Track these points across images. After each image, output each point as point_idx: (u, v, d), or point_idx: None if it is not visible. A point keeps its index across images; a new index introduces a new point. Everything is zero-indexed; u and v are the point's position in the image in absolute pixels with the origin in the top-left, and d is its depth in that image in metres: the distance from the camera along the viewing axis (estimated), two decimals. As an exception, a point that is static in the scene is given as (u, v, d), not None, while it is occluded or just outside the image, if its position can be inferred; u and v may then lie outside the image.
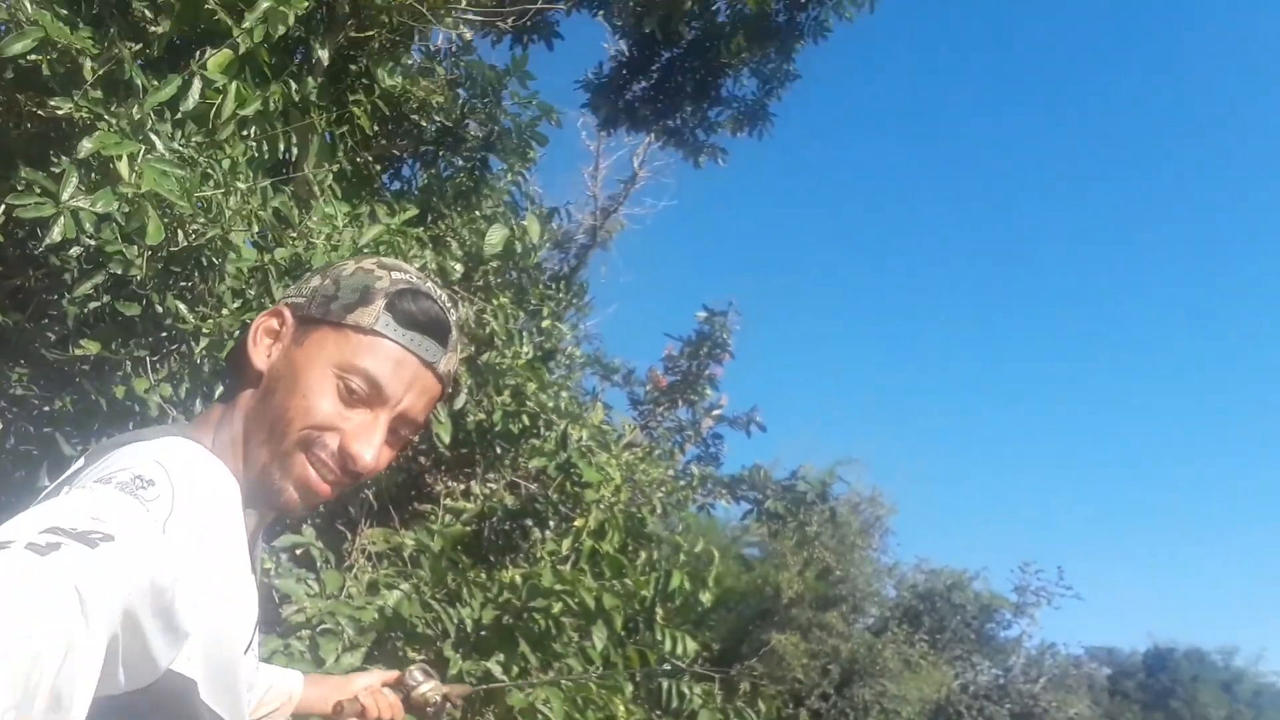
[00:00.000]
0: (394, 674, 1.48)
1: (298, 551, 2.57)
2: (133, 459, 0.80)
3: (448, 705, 1.48)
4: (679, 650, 3.99)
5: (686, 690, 4.12)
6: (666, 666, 3.96)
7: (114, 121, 2.18)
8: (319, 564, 2.57)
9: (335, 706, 1.39)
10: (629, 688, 3.89)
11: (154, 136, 2.25)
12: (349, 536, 2.92)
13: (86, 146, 2.07)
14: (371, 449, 0.93)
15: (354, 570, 2.74)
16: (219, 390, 2.43)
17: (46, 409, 2.12)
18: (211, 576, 0.80)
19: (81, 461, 0.89)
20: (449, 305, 1.02)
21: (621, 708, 3.59)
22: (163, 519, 0.73)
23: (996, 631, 14.56)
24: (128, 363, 2.10)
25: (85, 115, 2.20)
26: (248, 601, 0.91)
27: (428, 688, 1.44)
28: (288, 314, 0.98)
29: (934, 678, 12.78)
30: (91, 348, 2.01)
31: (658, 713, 4.09)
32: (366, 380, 0.93)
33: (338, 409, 0.93)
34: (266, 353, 0.97)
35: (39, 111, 2.32)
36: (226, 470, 0.89)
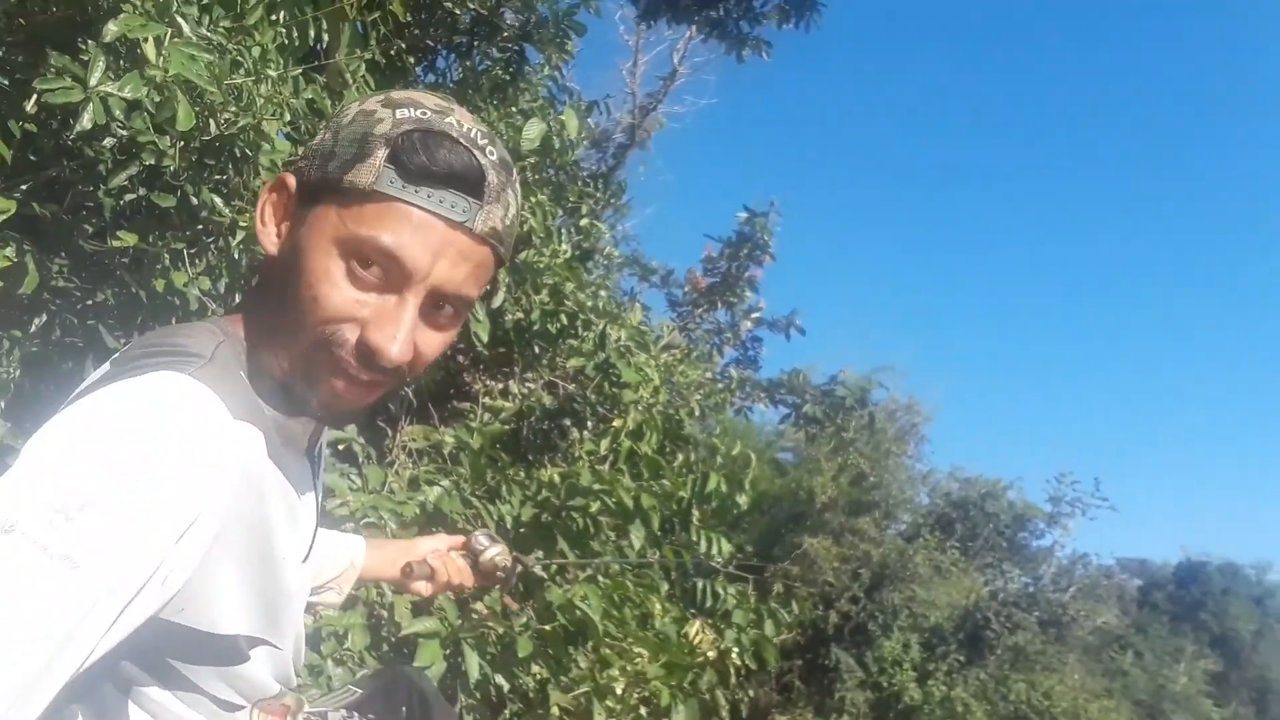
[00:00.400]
0: (459, 539, 1.42)
1: (340, 447, 2.61)
2: (77, 465, 0.65)
3: (518, 569, 1.43)
4: (714, 551, 4.05)
5: (721, 590, 4.20)
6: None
7: (139, 4, 2.10)
8: (361, 459, 2.61)
9: (404, 568, 1.33)
10: (665, 586, 3.98)
11: (180, 20, 2.17)
12: (390, 433, 2.95)
13: (112, 29, 2.00)
14: (396, 341, 0.76)
15: (395, 466, 2.78)
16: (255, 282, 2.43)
17: (89, 302, 2.13)
18: (224, 553, 0.74)
19: (107, 368, 0.80)
20: (482, 142, 0.79)
21: (658, 605, 3.68)
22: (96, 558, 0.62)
23: (1029, 541, 14.63)
24: (166, 255, 2.08)
25: (110, -3, 2.12)
26: (299, 521, 0.86)
27: (495, 552, 1.39)
28: (291, 182, 0.81)
29: (964, 584, 12.97)
30: (129, 239, 1.99)
31: (692, 611, 4.19)
32: (377, 254, 0.75)
33: (353, 295, 0.76)
34: (275, 234, 0.81)
35: (63, -7, 2.24)
36: (236, 430, 0.73)
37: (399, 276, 0.76)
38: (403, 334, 0.77)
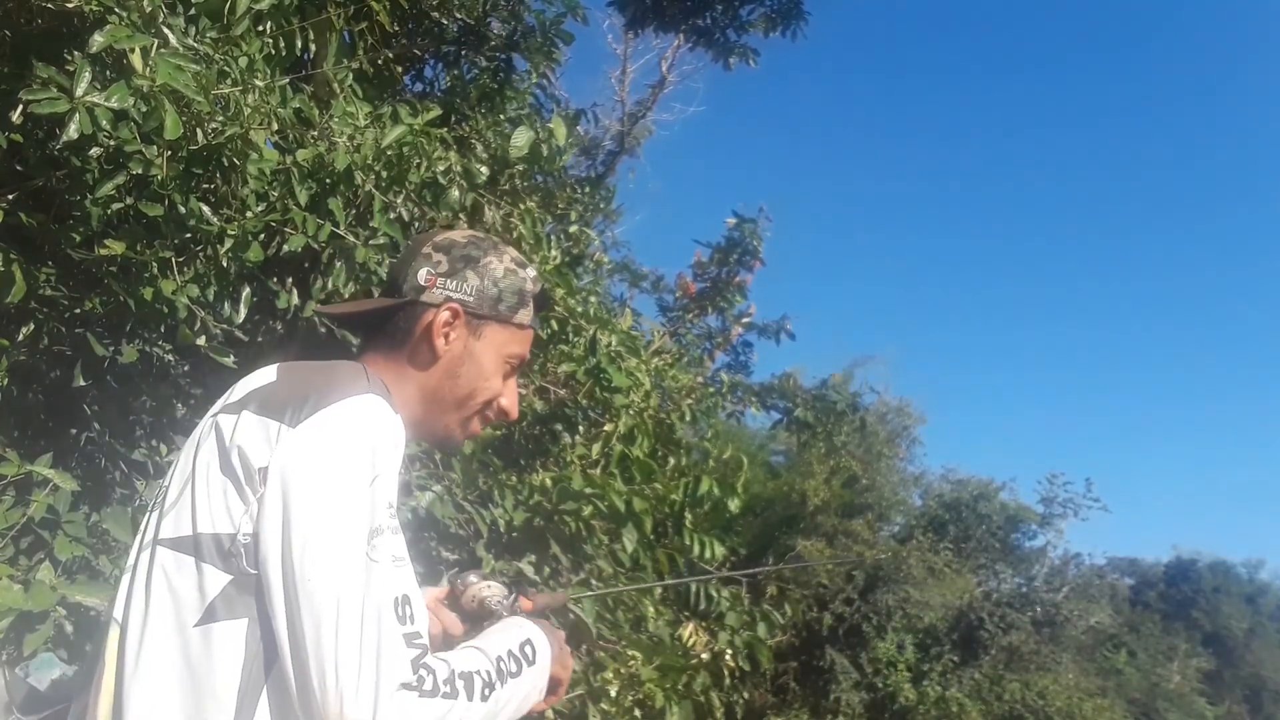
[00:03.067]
0: (443, 590, 1.38)
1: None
2: (361, 466, 1.00)
3: (513, 600, 1.30)
4: (707, 554, 4.06)
5: (714, 593, 4.21)
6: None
7: (125, 15, 2.11)
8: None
9: None
10: (658, 590, 3.98)
11: (167, 30, 2.18)
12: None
13: (98, 40, 2.00)
14: (516, 406, 1.31)
15: (387, 472, 2.77)
16: (245, 291, 2.43)
17: (77, 310, 2.13)
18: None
19: (273, 376, 1.10)
20: None
21: (651, 609, 3.68)
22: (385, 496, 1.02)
23: (1021, 541, 14.69)
24: (154, 264, 2.09)
25: (95, 8, 2.13)
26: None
27: (480, 588, 1.30)
28: (460, 310, 1.24)
29: (957, 585, 13.00)
30: (116, 248, 2.00)
31: (685, 614, 4.19)
32: (521, 361, 1.29)
33: (504, 383, 1.27)
34: (447, 342, 1.23)
35: (49, 5, 2.25)
36: (396, 422, 1.09)
37: (519, 366, 1.29)
38: (517, 398, 1.31)
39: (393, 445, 1.05)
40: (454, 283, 1.24)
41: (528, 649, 1.12)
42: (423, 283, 1.23)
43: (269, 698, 0.95)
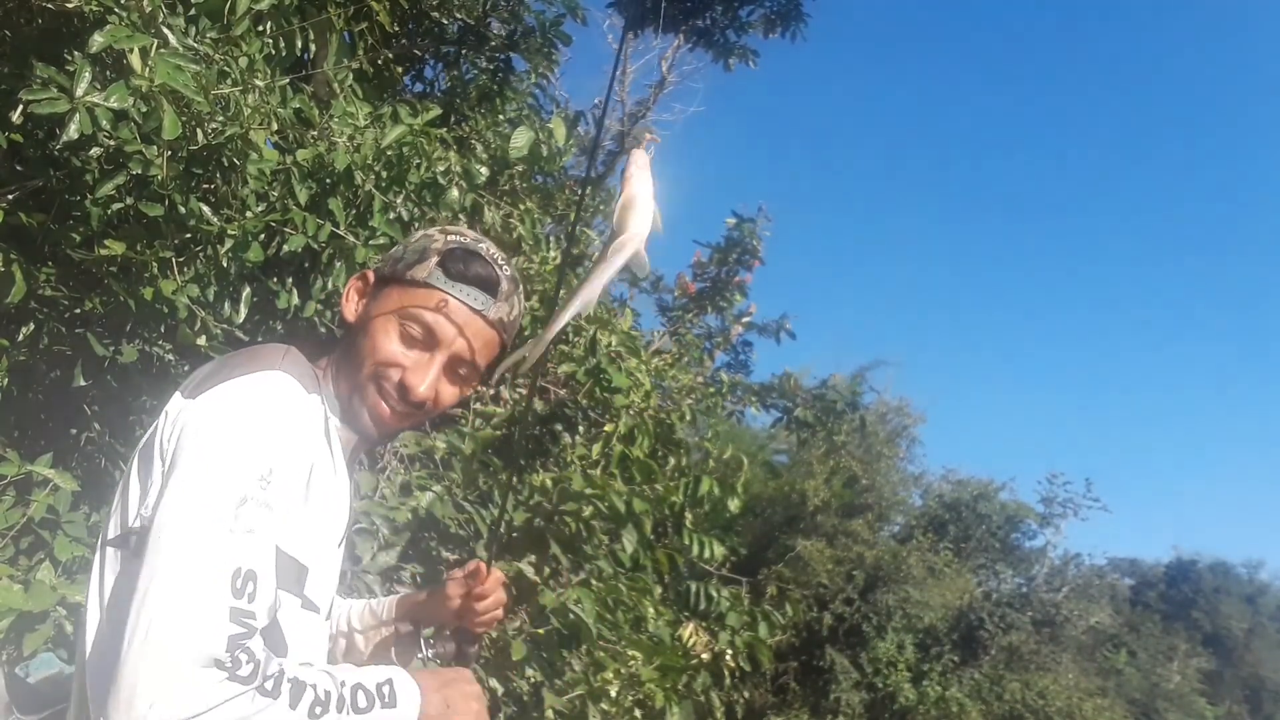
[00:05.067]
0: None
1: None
2: (242, 433, 0.96)
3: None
4: (706, 555, 4.06)
5: (714, 593, 4.21)
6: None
7: (124, 15, 2.11)
8: (352, 465, 2.59)
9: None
10: (658, 589, 3.98)
11: (167, 30, 2.18)
12: (381, 439, 2.93)
13: (98, 41, 2.00)
14: (424, 382, 1.11)
15: (387, 472, 2.78)
16: (245, 291, 2.44)
17: (77, 310, 2.13)
18: (299, 497, 0.99)
19: (207, 368, 1.07)
20: (501, 261, 1.19)
21: (651, 609, 3.68)
22: (270, 497, 0.94)
23: (1021, 541, 14.71)
24: (154, 264, 2.08)
25: (95, 8, 2.13)
26: (338, 504, 1.09)
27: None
28: (370, 275, 1.21)
29: (957, 585, 13.00)
30: (116, 248, 2.00)
31: (686, 613, 4.19)
32: (421, 324, 1.12)
33: (400, 349, 1.12)
34: (355, 308, 1.19)
35: (49, 5, 2.25)
36: (309, 401, 1.05)
37: (432, 341, 1.13)
38: (429, 379, 1.12)
39: (288, 421, 1.00)
40: (380, 258, 1.24)
41: (385, 689, 0.96)
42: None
43: None
